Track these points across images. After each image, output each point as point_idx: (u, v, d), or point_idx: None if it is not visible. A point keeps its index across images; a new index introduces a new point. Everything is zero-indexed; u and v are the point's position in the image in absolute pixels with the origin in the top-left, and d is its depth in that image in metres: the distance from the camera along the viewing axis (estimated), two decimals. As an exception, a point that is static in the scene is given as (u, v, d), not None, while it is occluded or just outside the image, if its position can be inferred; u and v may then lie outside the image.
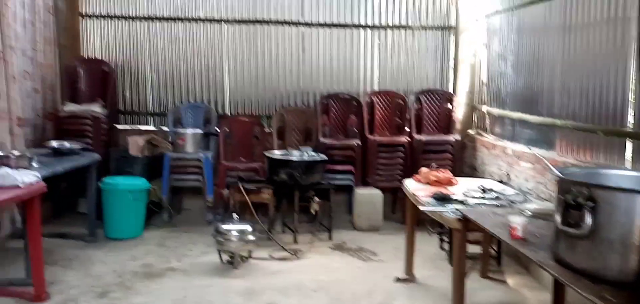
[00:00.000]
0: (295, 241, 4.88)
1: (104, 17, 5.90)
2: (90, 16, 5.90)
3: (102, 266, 4.14)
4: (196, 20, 5.94)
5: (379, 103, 5.98)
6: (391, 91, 6.05)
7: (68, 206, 5.37)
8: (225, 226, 4.21)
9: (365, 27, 6.10)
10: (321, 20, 6.05)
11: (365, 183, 5.55)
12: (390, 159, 5.60)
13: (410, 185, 3.93)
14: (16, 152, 3.83)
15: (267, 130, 5.85)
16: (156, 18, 5.91)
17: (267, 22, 6.01)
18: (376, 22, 6.10)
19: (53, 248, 4.43)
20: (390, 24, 6.10)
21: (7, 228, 4.44)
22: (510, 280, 4.08)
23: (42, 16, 5.23)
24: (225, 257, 4.24)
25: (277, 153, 5.23)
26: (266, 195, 4.97)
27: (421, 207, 3.40)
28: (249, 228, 4.24)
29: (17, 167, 3.50)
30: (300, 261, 4.46)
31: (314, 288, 3.85)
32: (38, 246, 3.43)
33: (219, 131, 5.70)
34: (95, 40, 5.92)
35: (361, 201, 5.39)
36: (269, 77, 6.08)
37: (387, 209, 5.60)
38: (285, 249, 4.64)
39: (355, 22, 6.08)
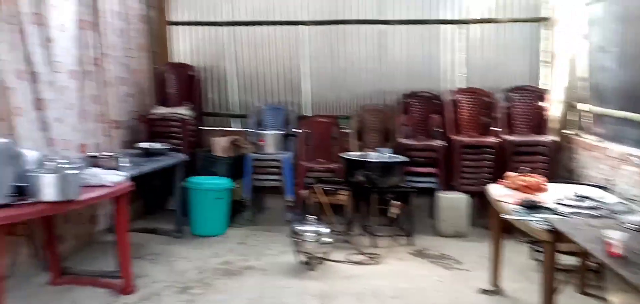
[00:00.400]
0: (374, 245, 4.76)
1: (190, 23, 6.15)
2: (177, 23, 6.17)
3: (186, 262, 4.30)
4: (276, 23, 6.01)
5: (464, 102, 5.67)
6: (477, 88, 5.71)
7: (159, 204, 5.66)
8: (301, 227, 4.20)
9: (448, 22, 5.82)
10: (401, 17, 5.87)
11: (449, 187, 5.29)
12: (477, 161, 5.28)
13: (496, 190, 3.66)
14: (106, 154, 4.10)
15: (345, 131, 5.78)
16: (238, 23, 6.06)
17: (346, 22, 5.93)
18: (460, 17, 5.80)
19: (143, 243, 4.70)
20: (476, 18, 5.77)
21: (103, 223, 4.77)
22: (613, 298, 3.65)
23: (135, 25, 5.57)
24: (302, 258, 4.22)
25: (353, 154, 5.14)
26: (343, 196, 4.89)
27: (504, 216, 3.15)
28: (325, 229, 4.20)
29: (106, 168, 3.73)
30: (378, 266, 4.33)
31: (392, 294, 3.72)
32: (125, 241, 3.63)
33: (298, 131, 5.73)
34: (183, 46, 6.19)
35: (445, 206, 5.14)
36: (347, 77, 6.01)
37: (475, 214, 5.29)
38: (363, 253, 4.55)
39: (437, 17, 5.82)
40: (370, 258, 4.46)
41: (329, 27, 5.97)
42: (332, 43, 5.99)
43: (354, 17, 5.92)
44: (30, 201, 2.90)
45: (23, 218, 2.88)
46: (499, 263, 3.76)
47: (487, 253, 3.98)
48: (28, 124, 3.98)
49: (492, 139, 5.31)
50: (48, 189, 2.92)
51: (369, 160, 4.89)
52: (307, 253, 4.17)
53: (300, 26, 6.00)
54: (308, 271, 4.14)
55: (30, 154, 3.10)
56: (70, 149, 4.35)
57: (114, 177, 3.53)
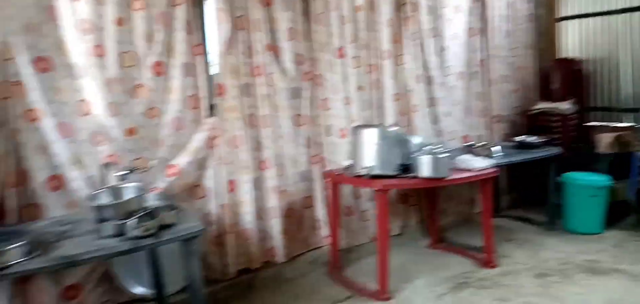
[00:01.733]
0: None
1: (579, 16, 5.95)
2: (565, 18, 6.08)
3: (550, 253, 4.40)
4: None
5: None
6: None
7: (537, 196, 5.78)
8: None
9: None
10: None
11: None
12: None
13: None
14: (481, 143, 4.65)
15: None
16: (636, 8, 5.46)
17: None
18: None
19: (514, 229, 5.08)
20: None
21: (480, 206, 5.36)
22: None
23: (522, 25, 5.90)
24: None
25: None
26: None
27: None
28: None
29: (477, 155, 4.29)
30: None
31: None
32: (489, 221, 4.10)
33: None
34: (570, 41, 6.06)
35: None
36: None
37: None
38: None
39: None
40: None
41: None
42: None
43: None
44: (411, 175, 3.77)
45: (403, 187, 3.80)
46: None
47: None
48: (422, 118, 4.99)
49: None
50: (423, 167, 3.72)
51: None
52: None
53: None
54: (696, 288, 3.55)
55: (415, 140, 4.00)
56: (455, 139, 5.17)
57: (481, 164, 4.05)
